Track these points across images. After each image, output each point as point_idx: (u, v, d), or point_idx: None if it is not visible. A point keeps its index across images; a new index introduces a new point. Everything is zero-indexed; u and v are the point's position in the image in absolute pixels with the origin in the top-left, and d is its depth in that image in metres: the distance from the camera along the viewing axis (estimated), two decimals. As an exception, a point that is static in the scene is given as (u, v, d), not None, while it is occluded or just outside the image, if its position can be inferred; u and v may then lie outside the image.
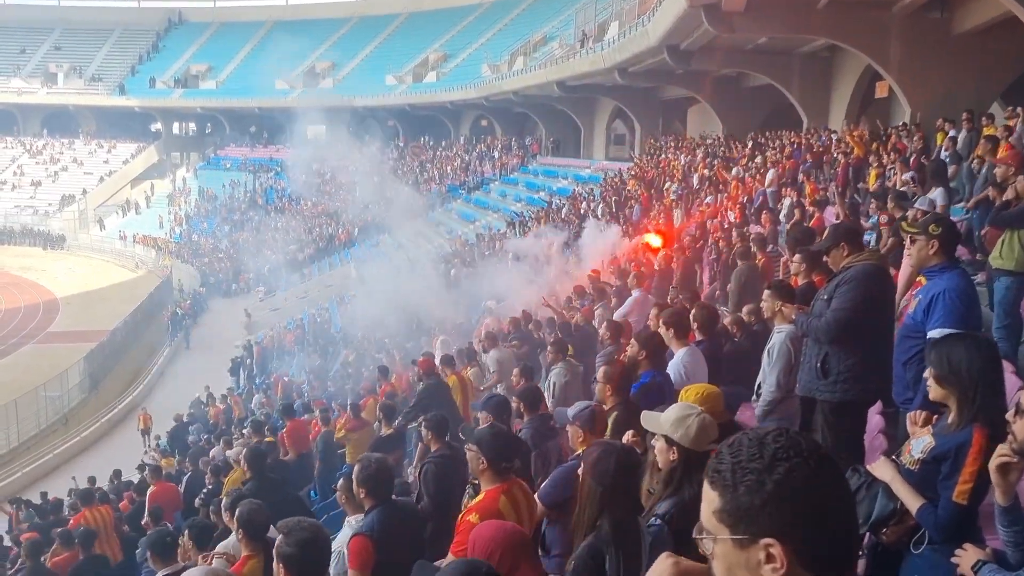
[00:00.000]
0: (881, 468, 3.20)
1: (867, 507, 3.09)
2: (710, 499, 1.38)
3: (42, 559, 8.56)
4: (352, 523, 4.71)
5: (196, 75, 63.47)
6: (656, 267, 12.44)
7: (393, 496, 4.55)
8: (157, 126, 64.66)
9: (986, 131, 12.50)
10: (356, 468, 4.49)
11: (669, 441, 3.33)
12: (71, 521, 10.20)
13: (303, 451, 11.42)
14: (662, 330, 6.01)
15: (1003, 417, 2.93)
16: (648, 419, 3.51)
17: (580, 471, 3.30)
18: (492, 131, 51.53)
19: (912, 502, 3.06)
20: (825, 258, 5.08)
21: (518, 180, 40.61)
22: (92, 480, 16.22)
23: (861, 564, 3.39)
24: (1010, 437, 2.66)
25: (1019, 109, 12.80)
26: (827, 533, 1.31)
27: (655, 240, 14.30)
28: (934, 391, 3.17)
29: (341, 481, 4.87)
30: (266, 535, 4.16)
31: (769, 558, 1.30)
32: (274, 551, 3.34)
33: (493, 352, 10.07)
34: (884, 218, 9.44)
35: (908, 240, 4.51)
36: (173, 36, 67.05)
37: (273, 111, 58.94)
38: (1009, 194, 6.78)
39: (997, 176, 8.05)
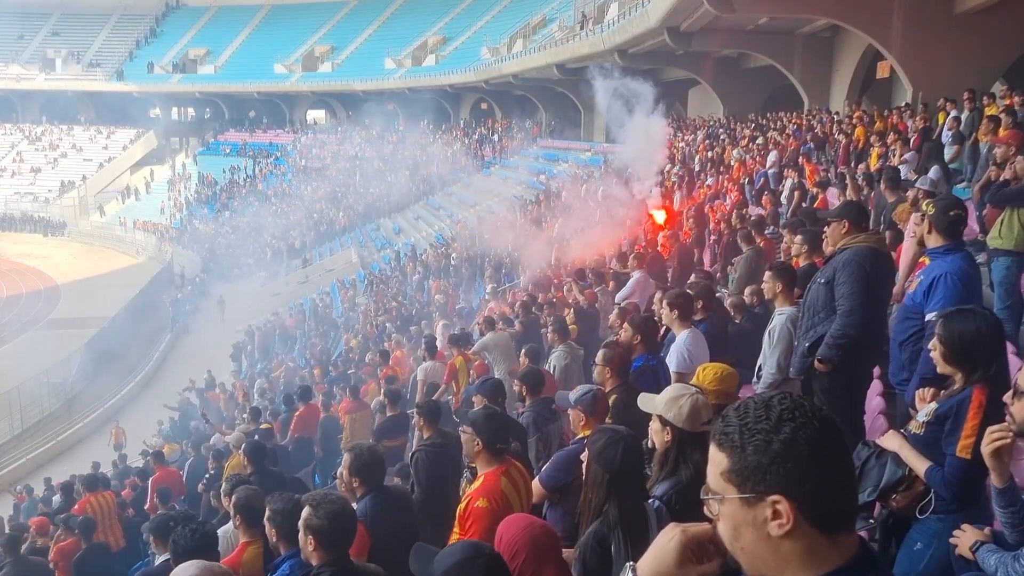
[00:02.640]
0: (889, 439, 3.28)
1: (877, 475, 3.16)
2: (717, 461, 1.42)
3: (22, 550, 8.56)
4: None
5: (194, 60, 63.18)
6: (657, 247, 12.43)
7: (385, 483, 4.59)
8: (156, 111, 64.44)
9: (988, 111, 12.44)
10: (348, 458, 4.50)
11: (663, 421, 3.35)
12: (76, 506, 10.23)
13: (308, 435, 11.46)
14: (665, 311, 6.00)
15: (1006, 384, 2.96)
16: (644, 400, 3.52)
17: (584, 457, 3.29)
18: (492, 114, 51.35)
19: (919, 465, 3.13)
20: (824, 229, 5.07)
21: (518, 164, 40.48)
22: (96, 465, 16.29)
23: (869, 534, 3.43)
24: (1008, 418, 2.67)
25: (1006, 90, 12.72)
26: (830, 489, 1.35)
27: (660, 216, 14.23)
28: (941, 365, 3.20)
29: (340, 470, 4.86)
30: (263, 521, 4.20)
31: (776, 514, 1.35)
32: (301, 523, 3.42)
33: (488, 336, 10.02)
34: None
35: (915, 220, 4.50)
36: (171, 21, 66.72)
37: (272, 96, 58.82)
38: (1008, 173, 6.75)
39: (997, 156, 8.01)
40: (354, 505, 4.48)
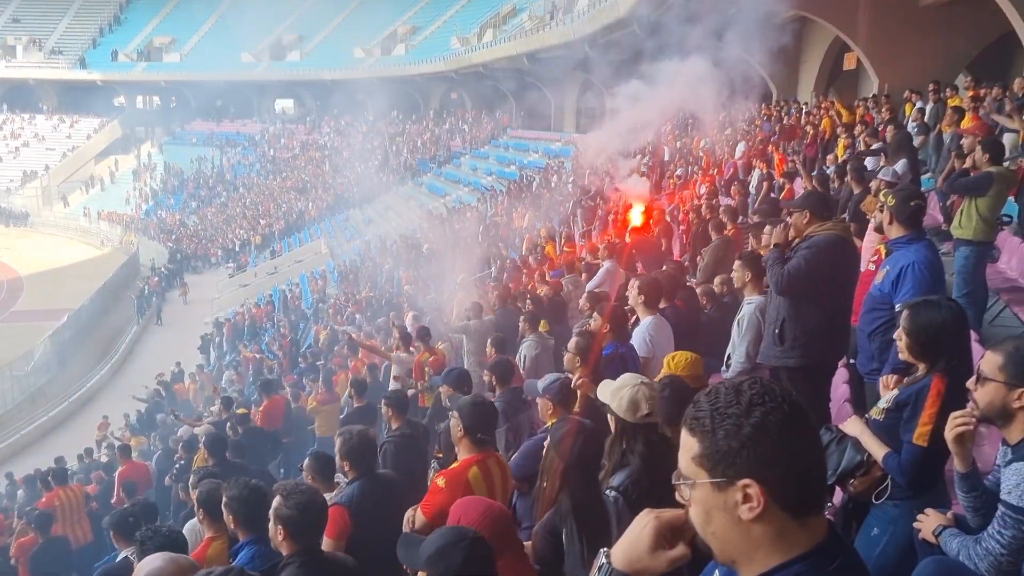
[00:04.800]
0: (851, 424, 3.31)
1: (836, 460, 3.19)
2: (689, 446, 1.42)
3: None
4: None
5: (159, 48, 62.24)
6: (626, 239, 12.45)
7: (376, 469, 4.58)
8: (120, 100, 63.40)
9: (951, 102, 12.61)
10: (339, 441, 4.49)
11: (609, 410, 3.37)
12: (44, 499, 10.08)
13: (273, 427, 11.39)
14: (633, 294, 6.04)
15: (967, 374, 2.99)
16: (601, 387, 3.55)
17: (547, 444, 3.30)
18: (462, 104, 51.15)
19: (878, 451, 3.16)
20: (789, 220, 5.12)
21: (488, 154, 40.42)
22: (60, 460, 16.05)
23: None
24: (971, 404, 2.70)
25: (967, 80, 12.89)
26: (799, 473, 1.37)
27: (637, 215, 14.23)
28: (906, 356, 3.23)
29: (308, 460, 4.83)
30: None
31: (746, 498, 1.36)
32: (271, 513, 3.40)
33: (474, 322, 9.93)
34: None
35: (878, 211, 4.55)
36: (135, 7, 65.57)
37: (240, 85, 58.09)
38: (968, 163, 6.86)
39: (964, 147, 8.13)
40: (342, 489, 4.48)
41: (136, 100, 64.43)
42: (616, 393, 3.35)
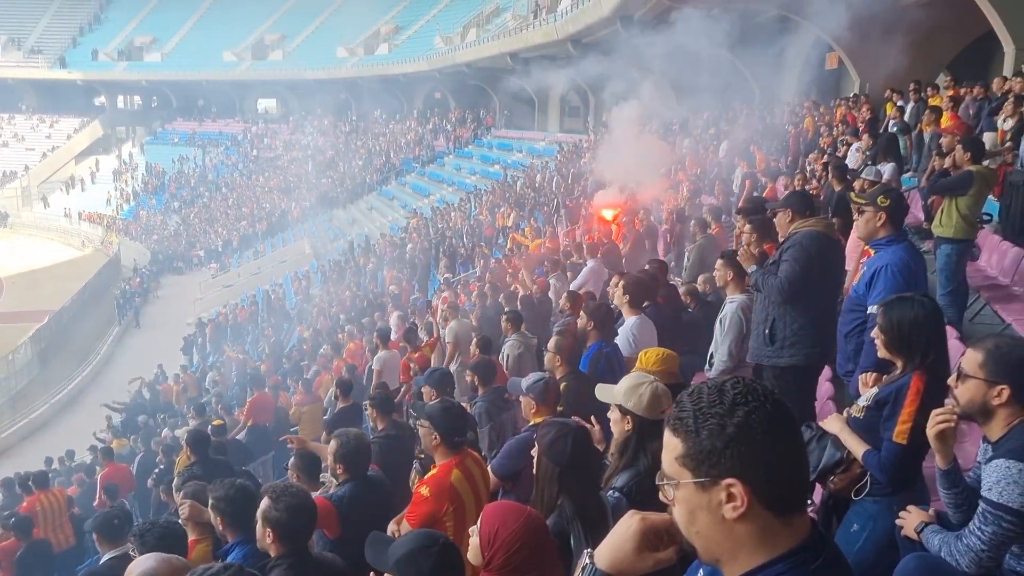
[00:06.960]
0: (831, 422, 3.33)
1: (816, 457, 3.21)
2: (672, 446, 1.42)
3: None
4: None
5: (140, 47, 61.71)
6: (608, 238, 12.48)
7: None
8: (101, 100, 62.85)
9: (932, 101, 12.70)
10: (334, 444, 4.44)
11: (623, 411, 3.35)
12: (24, 504, 9.97)
13: (263, 422, 11.36)
14: (618, 293, 6.06)
15: (945, 371, 3.01)
16: (602, 391, 3.52)
17: (534, 451, 3.27)
18: (446, 104, 51.02)
19: (858, 448, 3.18)
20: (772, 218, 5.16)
21: (472, 153, 40.37)
22: (48, 461, 15.94)
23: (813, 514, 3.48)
24: (951, 401, 2.72)
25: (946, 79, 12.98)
26: (783, 472, 1.37)
27: (608, 213, 14.35)
28: (883, 352, 3.26)
29: (293, 459, 4.81)
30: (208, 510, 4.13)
31: (730, 497, 1.36)
32: (259, 515, 3.37)
33: (452, 323, 9.95)
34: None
35: (856, 211, 4.56)
36: (116, 6, 64.99)
37: (221, 84, 57.73)
38: (948, 162, 6.92)
39: (943, 146, 8.19)
40: (333, 489, 4.45)
41: (117, 100, 63.83)
42: (634, 391, 3.33)
